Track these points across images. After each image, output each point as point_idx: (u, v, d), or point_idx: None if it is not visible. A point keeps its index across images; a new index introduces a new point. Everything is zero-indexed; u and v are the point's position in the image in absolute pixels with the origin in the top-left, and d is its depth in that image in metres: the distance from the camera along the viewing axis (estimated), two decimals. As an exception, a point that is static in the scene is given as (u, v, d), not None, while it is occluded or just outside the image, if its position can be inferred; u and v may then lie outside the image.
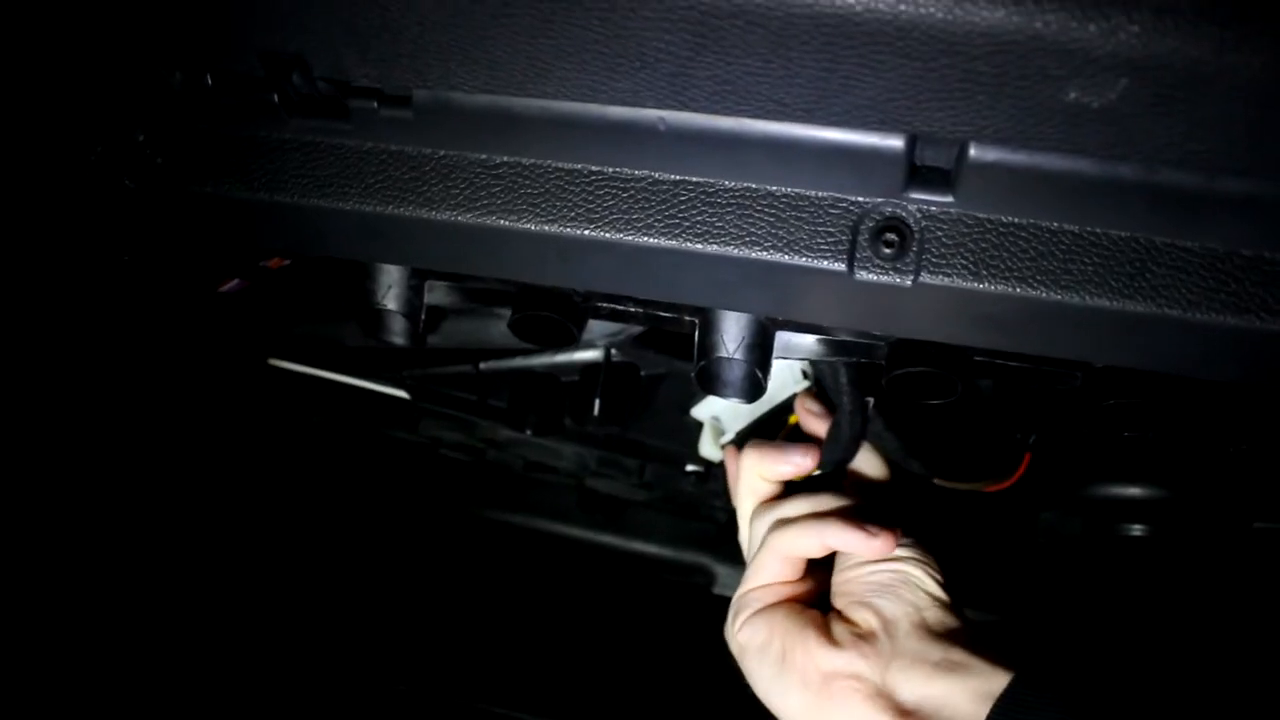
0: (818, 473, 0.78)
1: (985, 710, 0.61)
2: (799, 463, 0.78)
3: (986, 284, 0.53)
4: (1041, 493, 0.90)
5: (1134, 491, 0.87)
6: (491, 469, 1.22)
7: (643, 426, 1.08)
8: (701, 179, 0.56)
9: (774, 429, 0.94)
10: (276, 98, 0.60)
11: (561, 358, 0.97)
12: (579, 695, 1.39)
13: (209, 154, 0.65)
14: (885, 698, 0.64)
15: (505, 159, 0.59)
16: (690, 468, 1.12)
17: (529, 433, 1.01)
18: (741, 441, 0.93)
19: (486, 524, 1.40)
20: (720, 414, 0.99)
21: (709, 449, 1.02)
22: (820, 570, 0.75)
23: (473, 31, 0.51)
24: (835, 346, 0.69)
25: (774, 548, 0.74)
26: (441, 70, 0.54)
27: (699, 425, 1.02)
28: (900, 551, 0.71)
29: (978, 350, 0.65)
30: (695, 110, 0.52)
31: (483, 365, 1.02)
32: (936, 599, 0.69)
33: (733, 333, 0.65)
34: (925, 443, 0.80)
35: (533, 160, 0.58)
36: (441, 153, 0.60)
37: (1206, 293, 0.51)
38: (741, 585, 0.76)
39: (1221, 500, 0.86)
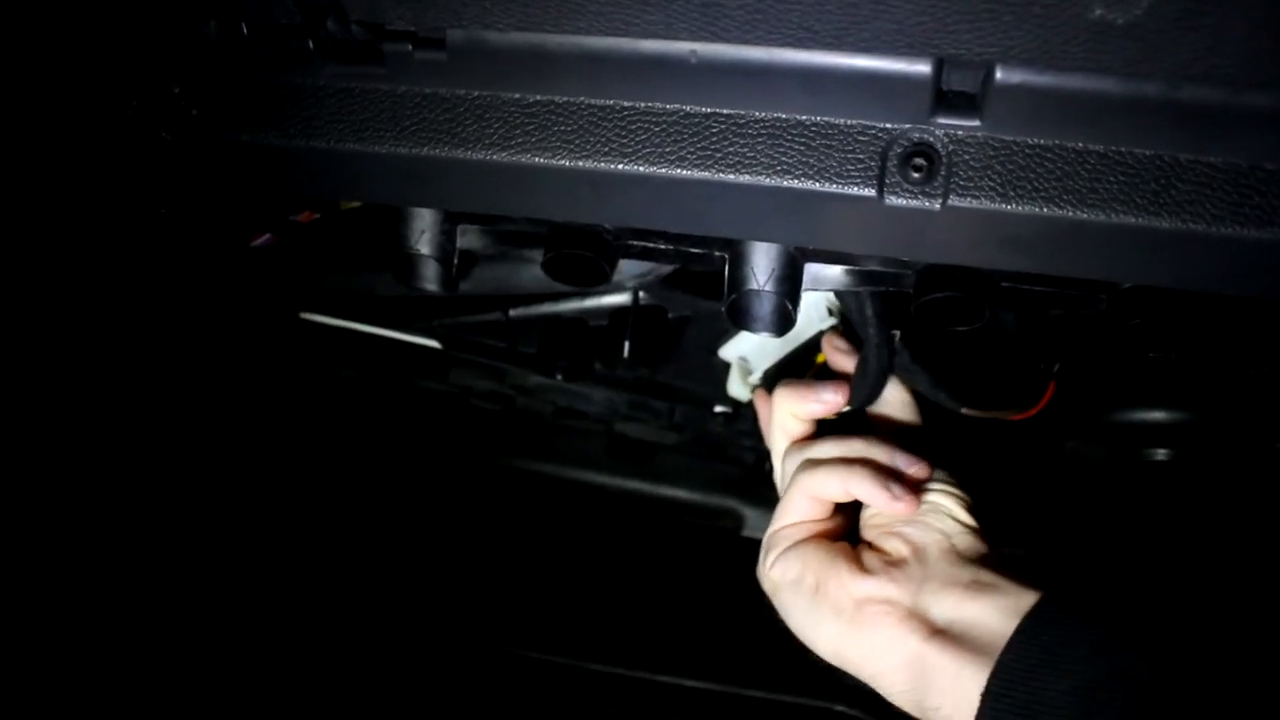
0: (848, 409, 0.80)
1: (1014, 628, 0.62)
2: (829, 400, 0.79)
3: (1014, 205, 0.54)
4: (1066, 420, 0.91)
5: (1157, 415, 0.88)
6: (521, 417, 1.24)
7: (671, 369, 1.09)
8: (733, 110, 0.57)
9: (802, 368, 0.95)
10: (312, 44, 0.61)
11: (590, 302, 0.98)
12: (611, 640, 1.40)
13: (244, 103, 0.66)
14: (918, 619, 0.66)
15: (539, 98, 0.60)
16: (719, 409, 1.13)
17: (559, 378, 1.03)
18: (770, 382, 0.94)
19: (516, 473, 1.41)
20: (748, 354, 1.00)
21: (737, 389, 1.03)
22: (850, 505, 0.77)
23: (508, -32, 0.52)
24: (863, 276, 0.70)
25: (802, 488, 0.76)
26: (475, 8, 0.55)
27: (727, 366, 1.03)
28: (931, 483, 0.73)
29: (1004, 275, 0.66)
30: (726, 41, 0.53)
31: (512, 312, 1.03)
32: (966, 526, 0.71)
33: (763, 265, 0.66)
34: (952, 373, 0.80)
35: (566, 98, 0.59)
36: (476, 93, 0.61)
37: (1231, 207, 0.52)
38: (772, 524, 0.78)
39: (1245, 422, 0.87)
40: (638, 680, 1.37)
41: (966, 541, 0.70)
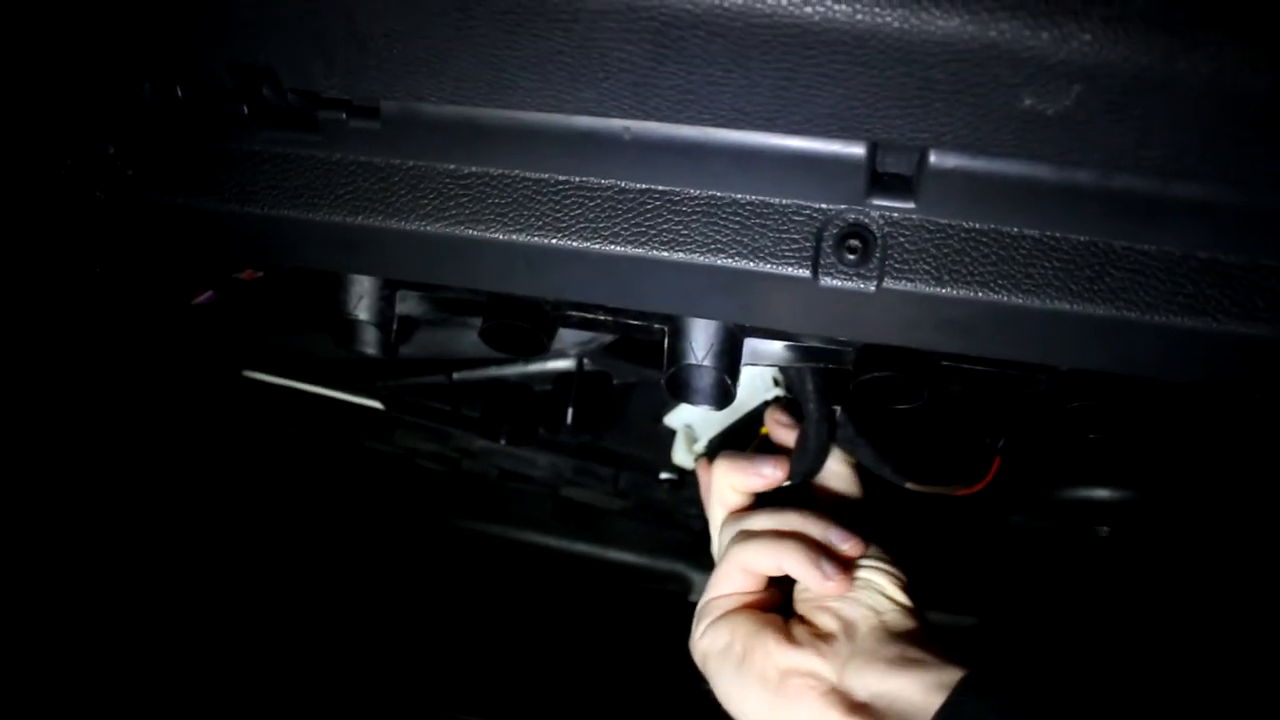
0: (788, 483, 0.79)
1: (937, 703, 0.62)
2: (768, 475, 0.79)
3: (949, 289, 0.54)
4: (1011, 496, 0.90)
5: (1100, 494, 0.88)
6: (467, 479, 1.22)
7: (616, 435, 1.08)
8: (667, 187, 0.57)
9: (747, 438, 0.94)
10: (246, 109, 0.61)
11: (534, 367, 0.98)
12: (556, 704, 1.39)
13: (179, 165, 0.65)
14: (840, 695, 0.66)
15: (473, 169, 0.59)
16: (664, 475, 1.12)
17: (503, 442, 1.02)
18: (714, 451, 0.93)
19: (462, 534, 1.40)
20: (693, 422, 1.00)
21: (682, 457, 1.03)
22: (784, 578, 0.76)
23: (438, 43, 0.51)
24: (804, 353, 0.69)
25: (735, 560, 0.75)
26: (408, 81, 0.54)
27: (672, 433, 1.02)
28: (865, 559, 0.73)
29: (944, 355, 0.66)
30: (659, 119, 0.53)
31: (456, 375, 1.02)
32: (897, 603, 0.70)
33: (701, 340, 0.66)
34: (896, 448, 0.80)
35: (500, 170, 0.59)
36: (410, 163, 0.60)
37: (1164, 295, 0.52)
38: (705, 594, 0.78)
39: (1185, 500, 0.87)
40: (580, 747, 1.35)
41: (896, 619, 0.69)
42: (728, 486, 0.81)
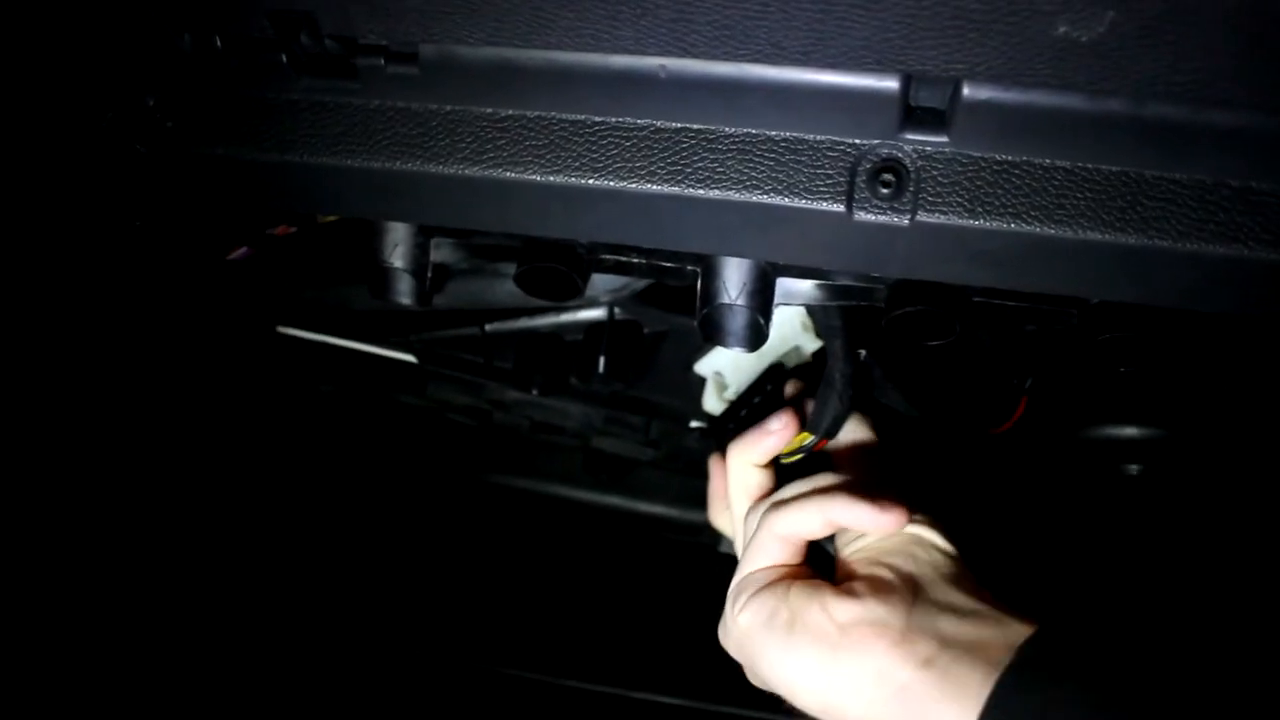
0: (810, 441, 0.76)
1: (1006, 658, 0.59)
2: (779, 428, 0.76)
3: (982, 221, 0.55)
4: (1039, 435, 0.91)
5: (1130, 431, 0.88)
6: (498, 432, 1.23)
7: (647, 384, 1.09)
8: (702, 126, 0.57)
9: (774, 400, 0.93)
10: (285, 58, 0.62)
11: (565, 317, 0.98)
12: (590, 656, 1.40)
13: (219, 116, 0.66)
14: (909, 643, 0.61)
15: (510, 112, 0.60)
16: (694, 424, 1.13)
17: (535, 393, 1.03)
18: (731, 423, 0.92)
19: (494, 488, 1.41)
20: (723, 369, 1.00)
21: (712, 403, 1.03)
22: (818, 556, 0.74)
23: (477, -18, 0.52)
24: (835, 291, 0.70)
25: (771, 529, 0.71)
26: (447, 23, 0.55)
27: (702, 381, 1.03)
28: (913, 517, 0.69)
29: (976, 290, 0.67)
30: (695, 56, 0.53)
31: (488, 327, 1.03)
32: (951, 556, 0.68)
33: (734, 279, 0.67)
34: (924, 388, 0.81)
35: (537, 112, 0.60)
36: (448, 108, 0.61)
37: (1196, 223, 0.53)
38: (737, 573, 0.74)
39: (1216, 438, 0.88)
40: (614, 697, 1.37)
41: (955, 571, 0.67)
42: (745, 466, 0.78)
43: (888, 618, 0.63)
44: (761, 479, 0.78)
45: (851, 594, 0.65)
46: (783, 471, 0.78)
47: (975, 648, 0.60)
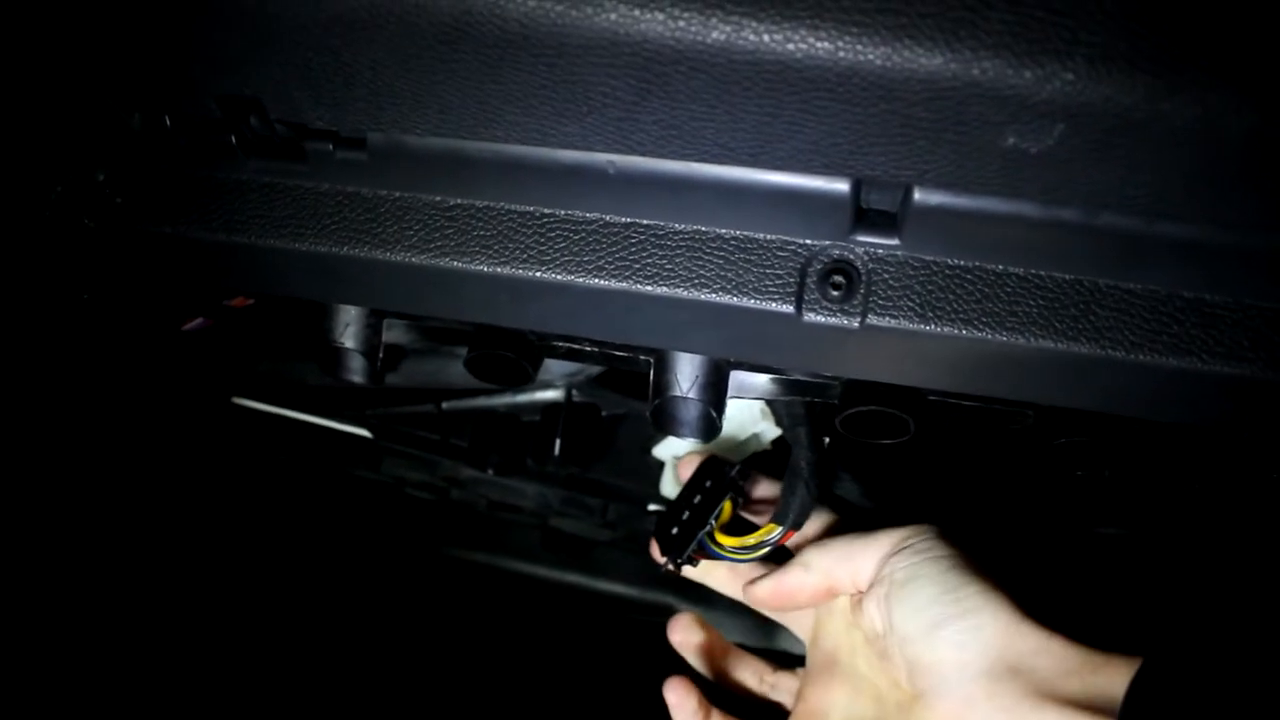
0: (776, 534, 0.74)
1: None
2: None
3: (933, 326, 0.54)
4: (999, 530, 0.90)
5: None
6: (456, 508, 1.22)
7: (604, 466, 1.08)
8: (652, 221, 0.57)
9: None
10: (234, 139, 0.61)
11: (522, 398, 0.98)
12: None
13: (168, 194, 0.65)
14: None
15: (458, 201, 0.59)
16: (652, 507, 1.12)
17: (491, 472, 1.02)
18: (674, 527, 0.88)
19: (451, 563, 1.40)
20: (681, 453, 1.00)
21: (670, 488, 1.02)
22: None
23: (423, 76, 0.51)
24: (789, 385, 0.69)
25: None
26: (394, 114, 0.54)
27: (660, 464, 1.02)
28: (951, 607, 0.66)
29: (931, 389, 0.66)
30: (643, 154, 0.53)
31: (445, 405, 1.02)
32: (1008, 641, 0.64)
33: (687, 372, 0.66)
34: (879, 481, 0.80)
35: (485, 203, 0.59)
36: (396, 194, 0.60)
37: (1149, 334, 0.52)
38: None
39: (1179, 543, 0.87)
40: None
41: (1012, 662, 0.63)
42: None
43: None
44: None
45: None
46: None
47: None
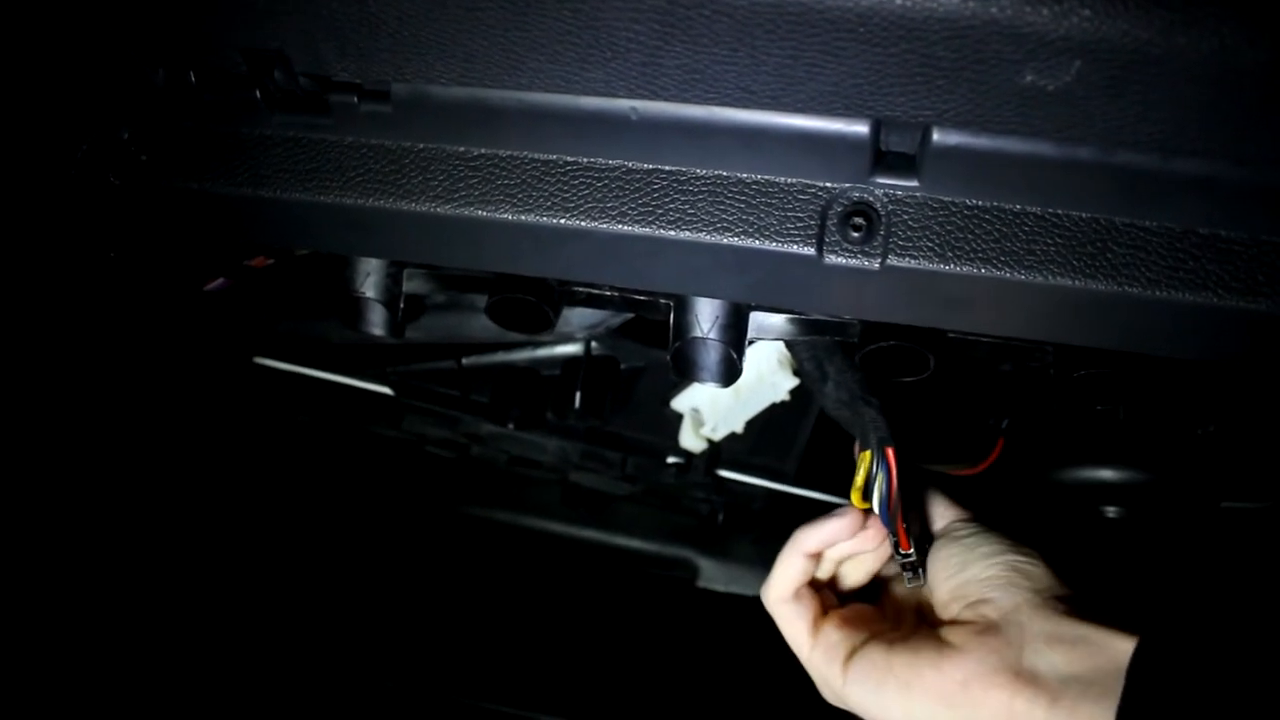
0: (875, 459, 0.71)
1: (1120, 688, 0.59)
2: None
3: (952, 265, 0.55)
4: (1015, 477, 0.91)
5: (1106, 474, 0.88)
6: (475, 465, 1.23)
7: (624, 419, 1.09)
8: (674, 167, 0.58)
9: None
10: (258, 94, 0.62)
11: (542, 352, 0.98)
12: (564, 690, 1.39)
13: (192, 150, 0.66)
14: (1030, 689, 0.62)
15: (482, 151, 0.60)
16: (671, 459, 1.13)
17: (511, 427, 1.03)
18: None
19: (471, 521, 1.41)
20: (700, 405, 1.01)
21: (689, 440, 1.04)
22: (900, 604, 0.75)
23: (448, 24, 0.52)
24: (808, 325, 0.69)
25: (768, 599, 0.74)
26: (419, 63, 0.55)
27: (679, 417, 1.03)
28: (1001, 545, 0.70)
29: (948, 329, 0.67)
30: (665, 99, 0.53)
31: (465, 360, 1.03)
32: (1050, 580, 0.68)
33: (707, 314, 0.66)
34: (898, 426, 0.80)
35: (509, 152, 0.60)
36: (420, 146, 0.61)
37: (1165, 270, 0.53)
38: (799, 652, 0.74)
39: (1192, 481, 0.87)
40: (589, 732, 1.36)
41: (1055, 593, 0.67)
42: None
43: (1000, 665, 0.63)
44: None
45: (958, 649, 0.65)
46: None
47: (1092, 681, 0.61)
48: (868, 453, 0.71)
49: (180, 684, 1.31)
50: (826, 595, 0.76)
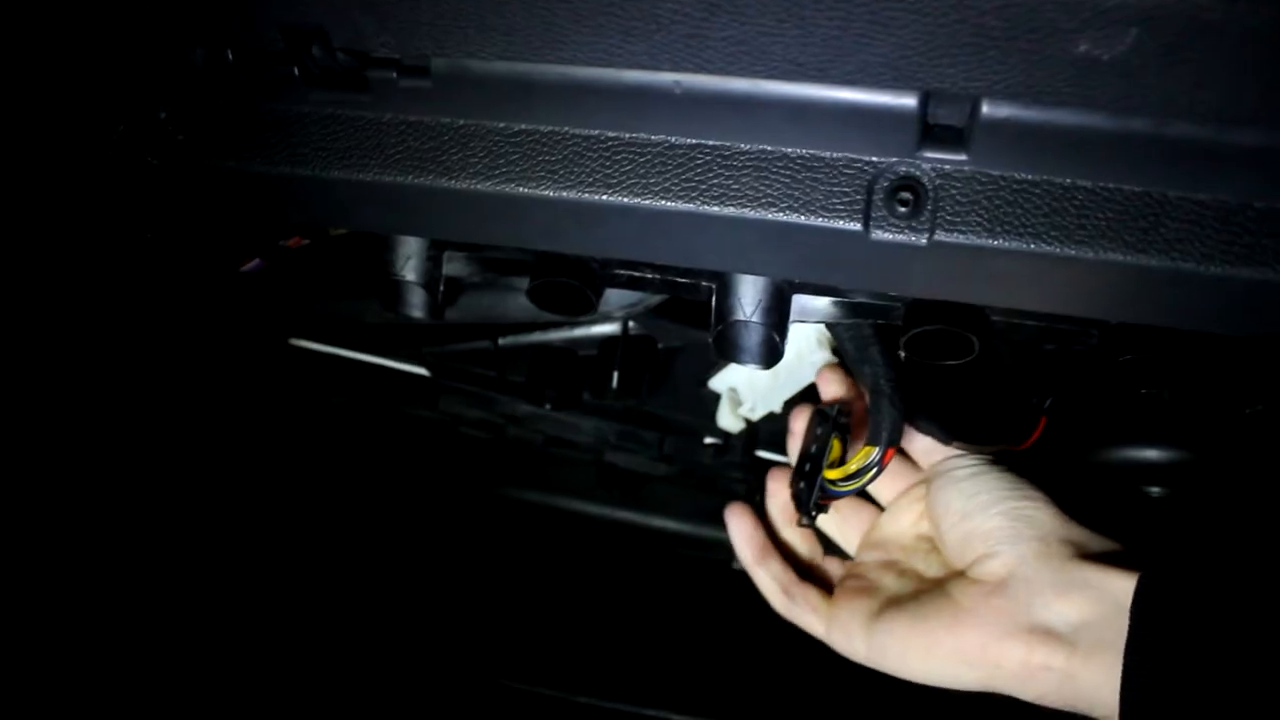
0: (876, 455, 0.74)
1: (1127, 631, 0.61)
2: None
3: (1001, 240, 0.54)
4: (1058, 456, 0.90)
5: (1151, 454, 0.87)
6: (511, 445, 1.23)
7: (661, 400, 1.08)
8: (718, 142, 0.57)
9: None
10: (296, 71, 0.61)
11: (579, 332, 0.98)
12: (600, 671, 1.39)
13: (230, 129, 0.65)
14: (1040, 637, 0.64)
15: (522, 126, 0.59)
16: (708, 440, 1.12)
17: (548, 407, 1.02)
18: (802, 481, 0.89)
19: (506, 501, 1.41)
20: (738, 385, 1.00)
21: (727, 420, 1.03)
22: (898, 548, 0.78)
23: (489, -3, 0.51)
24: (852, 308, 0.69)
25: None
26: (459, 37, 0.54)
27: (716, 397, 1.02)
28: (1009, 490, 0.71)
29: (995, 308, 0.66)
30: (710, 72, 0.53)
31: (501, 341, 1.02)
32: (1056, 522, 0.69)
33: (749, 296, 0.66)
34: (941, 406, 0.79)
35: (550, 127, 0.59)
36: (460, 122, 0.61)
37: (1220, 245, 0.52)
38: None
39: (1239, 462, 0.86)
40: (625, 714, 1.36)
41: (1062, 535, 0.68)
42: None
43: (1012, 625, 0.65)
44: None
45: (971, 611, 0.67)
46: None
47: (1104, 624, 0.62)
48: (873, 448, 0.73)
49: (219, 666, 1.32)
50: (821, 570, 0.82)
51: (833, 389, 0.83)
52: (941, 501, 0.74)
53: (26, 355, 1.05)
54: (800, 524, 0.77)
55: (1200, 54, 0.45)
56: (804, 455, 0.78)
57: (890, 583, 0.75)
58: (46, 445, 1.13)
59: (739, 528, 0.82)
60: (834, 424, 0.77)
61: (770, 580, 0.80)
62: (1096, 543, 0.67)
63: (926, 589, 0.72)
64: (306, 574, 1.42)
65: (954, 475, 0.74)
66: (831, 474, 0.75)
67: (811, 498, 0.75)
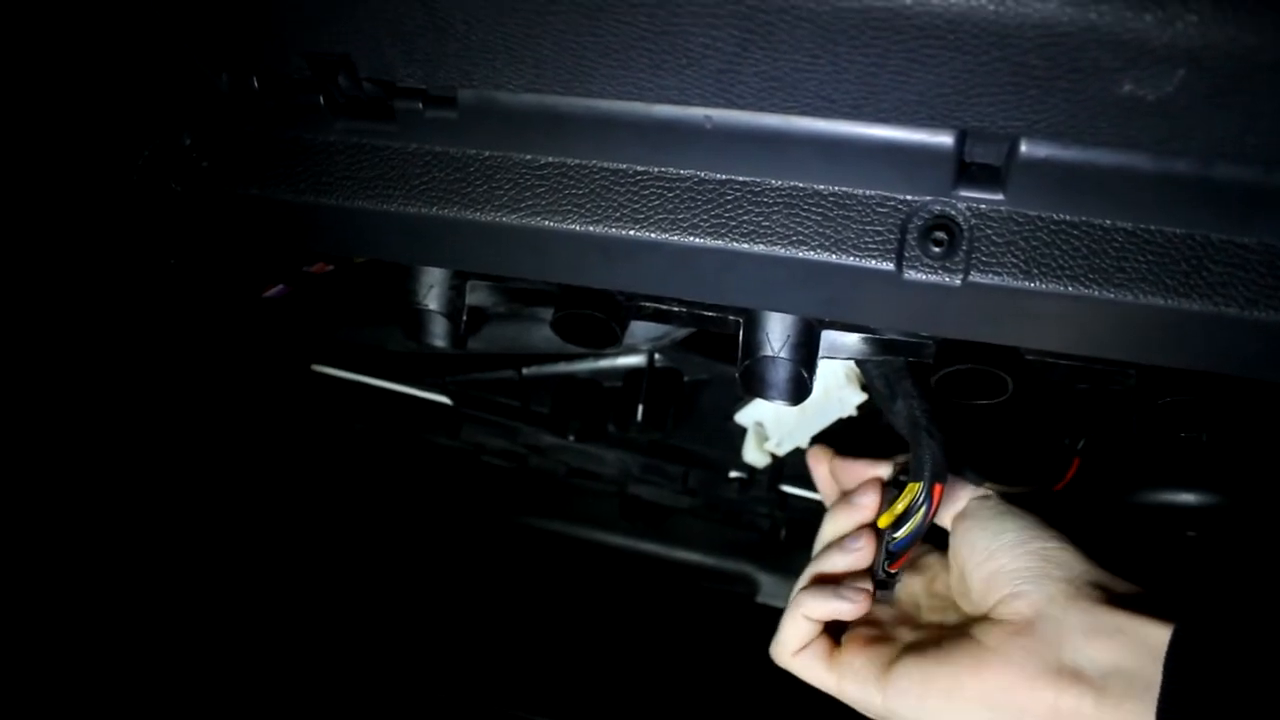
0: (921, 493, 0.71)
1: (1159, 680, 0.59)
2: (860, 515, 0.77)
3: (1037, 283, 0.52)
4: (1091, 498, 0.88)
5: (1186, 498, 0.86)
6: (534, 475, 1.22)
7: (686, 432, 1.07)
8: (748, 178, 0.56)
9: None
10: (322, 99, 0.61)
11: (604, 363, 0.97)
12: (620, 704, 1.38)
13: (254, 156, 0.65)
14: (1069, 679, 0.62)
15: (550, 159, 0.59)
16: (734, 474, 1.11)
17: (571, 439, 1.01)
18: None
19: (528, 531, 1.40)
20: (764, 419, 0.99)
21: (752, 454, 1.02)
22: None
23: (518, 29, 0.51)
24: (882, 345, 0.68)
25: (780, 659, 0.76)
26: (487, 69, 0.54)
27: (743, 431, 1.01)
28: (1036, 534, 0.69)
29: (1029, 348, 0.65)
30: (742, 108, 0.52)
31: (525, 371, 1.02)
32: (1084, 567, 0.67)
33: (778, 332, 0.65)
34: (972, 446, 0.78)
35: (577, 160, 0.58)
36: (486, 153, 0.60)
37: (1265, 290, 0.50)
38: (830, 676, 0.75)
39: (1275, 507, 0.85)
40: (646, 748, 1.35)
41: (1090, 580, 0.66)
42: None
43: (1041, 666, 0.63)
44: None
45: (996, 652, 0.65)
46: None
47: (1135, 672, 0.60)
48: (917, 484, 0.71)
49: (238, 693, 1.31)
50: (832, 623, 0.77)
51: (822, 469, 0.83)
52: (967, 541, 0.72)
53: (53, 379, 1.05)
54: (877, 599, 0.74)
55: (1249, 96, 0.44)
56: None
57: (906, 634, 0.73)
58: (72, 469, 1.13)
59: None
60: (894, 483, 0.76)
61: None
62: (1122, 586, 0.66)
63: (947, 635, 0.70)
64: (327, 600, 1.41)
65: (980, 515, 0.72)
66: (881, 521, 0.73)
67: (879, 563, 0.74)
